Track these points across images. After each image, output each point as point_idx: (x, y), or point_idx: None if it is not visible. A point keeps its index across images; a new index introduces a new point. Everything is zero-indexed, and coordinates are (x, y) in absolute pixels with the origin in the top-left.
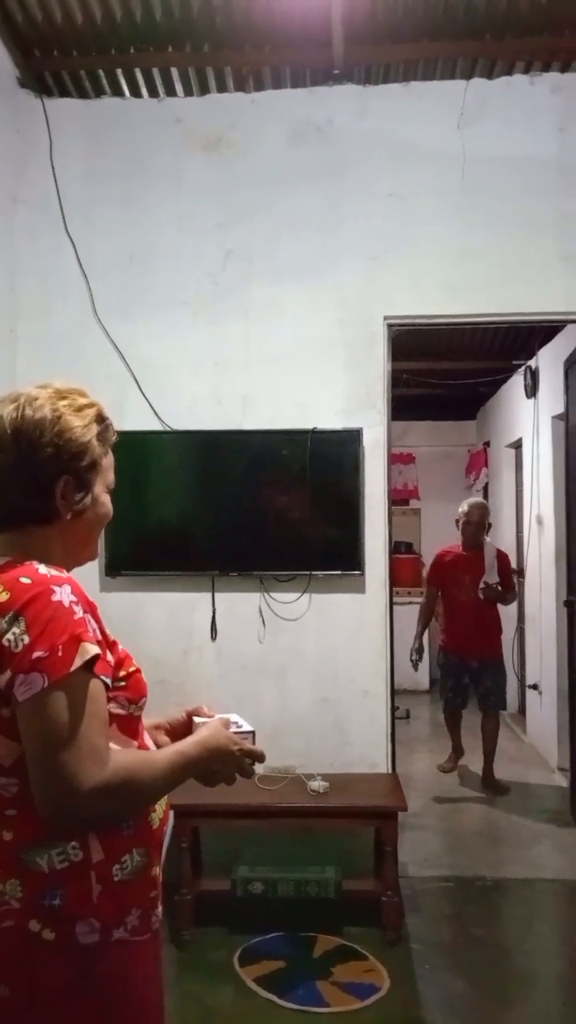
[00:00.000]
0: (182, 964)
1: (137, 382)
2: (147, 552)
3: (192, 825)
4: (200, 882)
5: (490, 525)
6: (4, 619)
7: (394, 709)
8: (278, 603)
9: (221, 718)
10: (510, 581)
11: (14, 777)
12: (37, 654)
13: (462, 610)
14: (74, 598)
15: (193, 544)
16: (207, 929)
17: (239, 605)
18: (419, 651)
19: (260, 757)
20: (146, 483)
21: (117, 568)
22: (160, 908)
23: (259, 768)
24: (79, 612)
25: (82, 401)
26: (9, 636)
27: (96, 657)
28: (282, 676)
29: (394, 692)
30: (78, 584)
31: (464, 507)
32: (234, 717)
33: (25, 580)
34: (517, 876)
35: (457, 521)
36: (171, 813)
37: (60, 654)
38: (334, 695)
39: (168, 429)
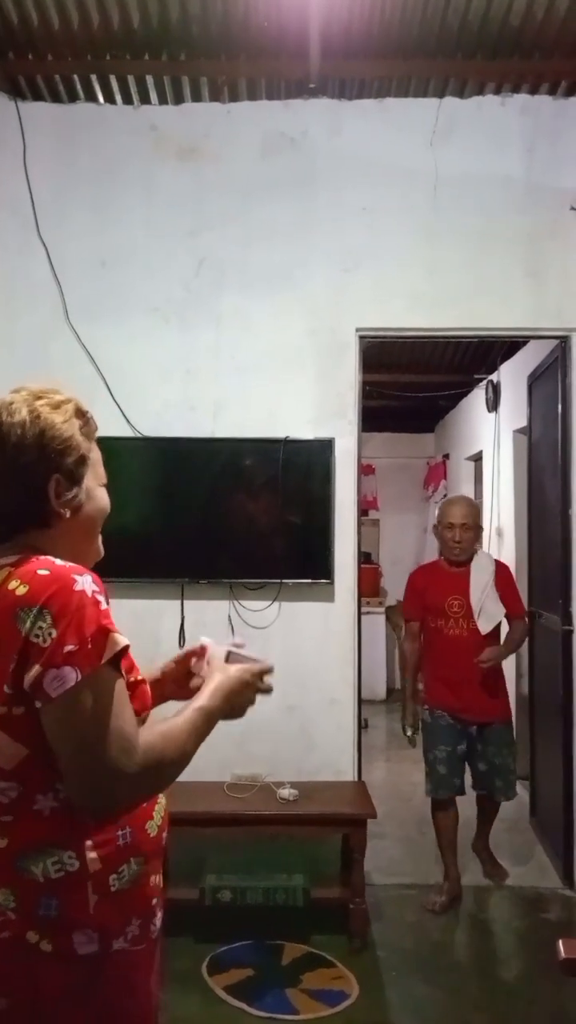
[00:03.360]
0: None
1: (108, 387)
2: (115, 559)
3: None
4: (167, 890)
5: (481, 529)
6: (27, 613)
7: (361, 717)
8: (248, 611)
9: (223, 651)
10: (518, 605)
11: (14, 782)
12: (68, 648)
13: (451, 649)
14: (96, 587)
15: (162, 551)
16: (175, 938)
17: (208, 612)
18: (416, 719)
19: (269, 670)
20: (116, 489)
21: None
22: (160, 915)
23: (226, 776)
24: (104, 602)
25: (59, 398)
26: (36, 631)
27: (126, 648)
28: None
29: (361, 701)
30: (96, 575)
31: (442, 507)
32: (234, 641)
33: (43, 572)
34: (477, 883)
35: (434, 528)
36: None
37: (90, 647)
38: (301, 702)
39: (139, 435)
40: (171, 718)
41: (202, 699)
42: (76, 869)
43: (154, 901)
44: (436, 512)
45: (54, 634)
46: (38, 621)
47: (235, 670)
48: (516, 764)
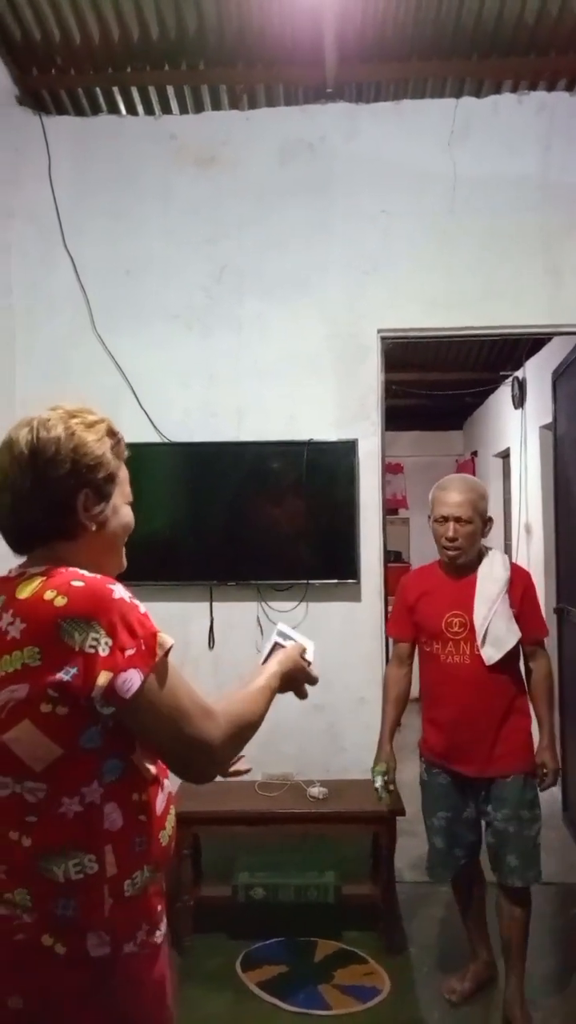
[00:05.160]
0: (184, 970)
1: (135, 393)
2: (144, 563)
3: (192, 832)
4: (200, 889)
5: (491, 521)
6: (74, 626)
7: None
8: (275, 612)
9: (296, 645)
10: (538, 624)
11: (43, 783)
12: (128, 652)
13: (448, 682)
14: (129, 593)
15: (190, 555)
16: (208, 935)
17: (236, 614)
18: (387, 770)
19: (314, 680)
20: (144, 494)
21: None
22: (165, 923)
23: (257, 776)
24: (141, 606)
25: (92, 418)
26: (91, 643)
27: (171, 647)
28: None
29: None
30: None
31: (433, 493)
32: (309, 648)
33: (78, 583)
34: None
35: (428, 519)
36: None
37: (144, 647)
38: (329, 702)
39: (165, 441)
40: (244, 684)
41: (269, 678)
42: (95, 872)
43: (159, 908)
44: (431, 494)
45: (111, 642)
46: (90, 632)
47: (299, 660)
48: (539, 832)
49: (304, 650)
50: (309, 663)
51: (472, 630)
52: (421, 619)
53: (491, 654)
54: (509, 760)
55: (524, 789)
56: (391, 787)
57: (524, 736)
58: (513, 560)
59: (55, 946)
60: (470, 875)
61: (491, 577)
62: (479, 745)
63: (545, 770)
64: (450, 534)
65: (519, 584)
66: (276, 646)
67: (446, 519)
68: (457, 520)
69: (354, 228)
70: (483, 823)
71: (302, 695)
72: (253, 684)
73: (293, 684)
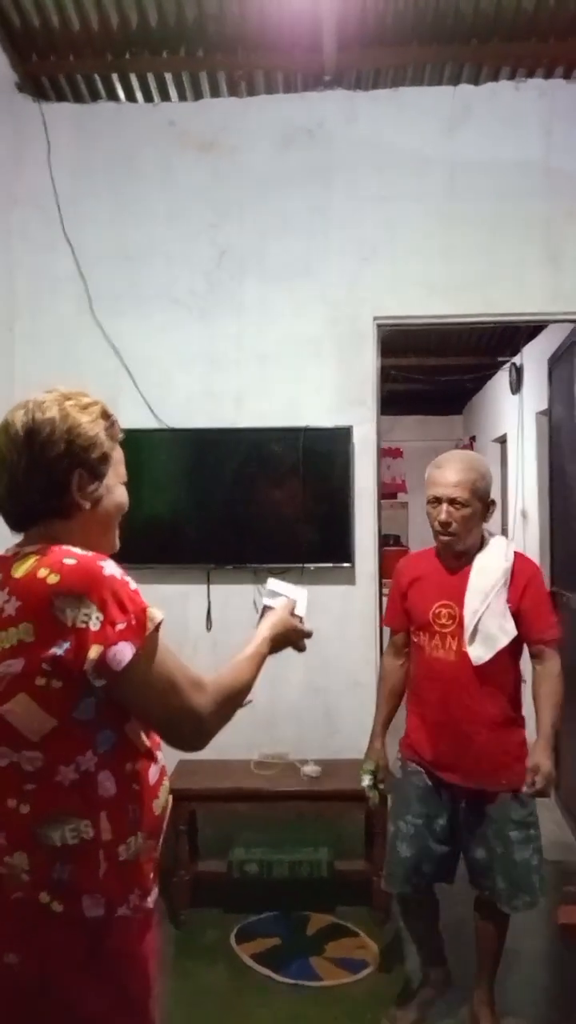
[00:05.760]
0: (180, 943)
1: (133, 379)
2: (143, 546)
3: (189, 809)
4: (197, 864)
5: (493, 504)
6: (66, 602)
7: None
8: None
9: (286, 604)
10: (547, 624)
11: (39, 752)
12: (119, 626)
13: (433, 678)
14: (120, 570)
15: (188, 538)
16: (204, 910)
17: (233, 597)
18: (376, 768)
19: (308, 634)
20: (143, 479)
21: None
22: (156, 890)
23: (254, 755)
24: (132, 582)
25: (86, 400)
26: (82, 618)
27: (161, 622)
28: (275, 666)
29: None
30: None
31: (428, 472)
32: (301, 599)
33: (70, 561)
34: None
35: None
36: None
37: (134, 621)
38: (325, 684)
39: (164, 427)
40: (233, 661)
41: (260, 644)
42: (91, 837)
43: (151, 876)
44: (428, 472)
45: (102, 617)
46: (81, 608)
47: (290, 622)
48: (537, 855)
49: (294, 605)
50: (301, 618)
51: (461, 624)
52: (411, 606)
53: (479, 653)
54: (497, 776)
55: (514, 808)
56: (380, 786)
57: (518, 749)
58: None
59: (52, 904)
60: (429, 907)
61: (488, 568)
62: (463, 754)
63: (536, 775)
64: (443, 517)
65: (522, 577)
66: (266, 609)
67: (439, 500)
68: (452, 502)
69: (353, 213)
70: (462, 839)
71: (300, 649)
72: (241, 654)
73: (286, 643)
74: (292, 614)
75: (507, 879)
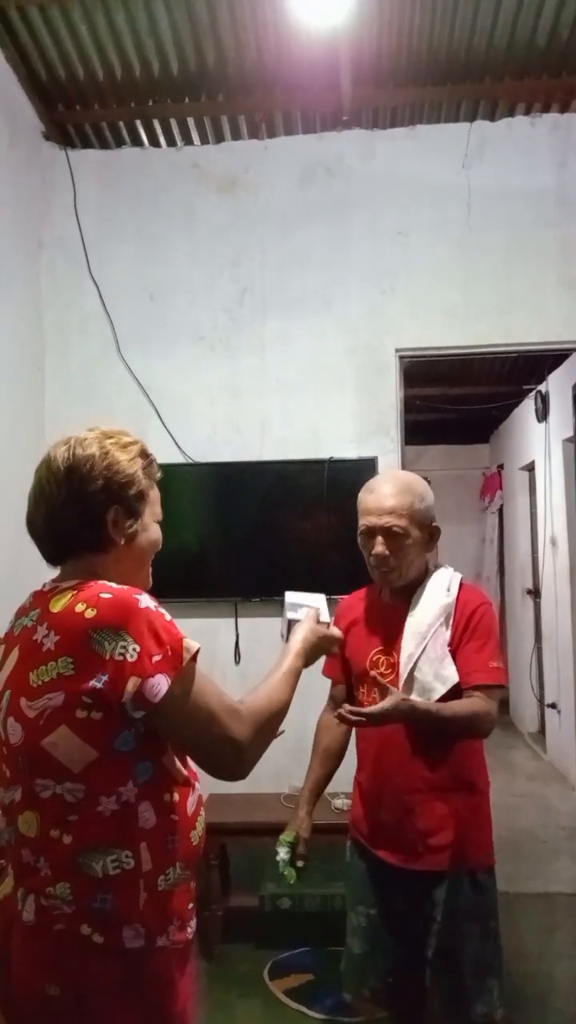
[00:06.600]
0: (213, 977)
1: (159, 415)
2: (171, 580)
3: (220, 843)
4: (229, 898)
5: (437, 531)
6: (104, 636)
7: None
8: None
9: (311, 613)
10: (485, 667)
11: (81, 783)
12: (155, 658)
13: (373, 738)
14: (155, 603)
15: (215, 572)
16: (236, 944)
17: (261, 629)
18: (296, 840)
19: (340, 638)
20: (171, 513)
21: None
22: (194, 920)
23: (284, 788)
24: (167, 614)
25: (127, 439)
26: (119, 651)
27: (198, 651)
28: (302, 698)
29: None
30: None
31: (360, 496)
32: (322, 608)
33: (106, 595)
34: (535, 891)
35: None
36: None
37: (170, 652)
38: None
39: (190, 461)
40: (267, 676)
41: (291, 659)
42: (132, 867)
43: (190, 906)
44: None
45: (138, 648)
46: (119, 641)
47: (317, 630)
48: (499, 958)
49: (318, 613)
50: (328, 624)
51: (398, 670)
52: (349, 655)
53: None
54: (445, 854)
55: (467, 893)
56: (299, 864)
57: (473, 819)
58: (540, 572)
59: (93, 935)
60: (416, 996)
61: (427, 605)
62: (404, 828)
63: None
64: (378, 550)
65: (465, 612)
66: (292, 623)
67: (371, 531)
68: (387, 532)
69: (372, 247)
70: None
71: (334, 655)
72: (275, 673)
73: (319, 653)
74: (319, 622)
75: (454, 982)
